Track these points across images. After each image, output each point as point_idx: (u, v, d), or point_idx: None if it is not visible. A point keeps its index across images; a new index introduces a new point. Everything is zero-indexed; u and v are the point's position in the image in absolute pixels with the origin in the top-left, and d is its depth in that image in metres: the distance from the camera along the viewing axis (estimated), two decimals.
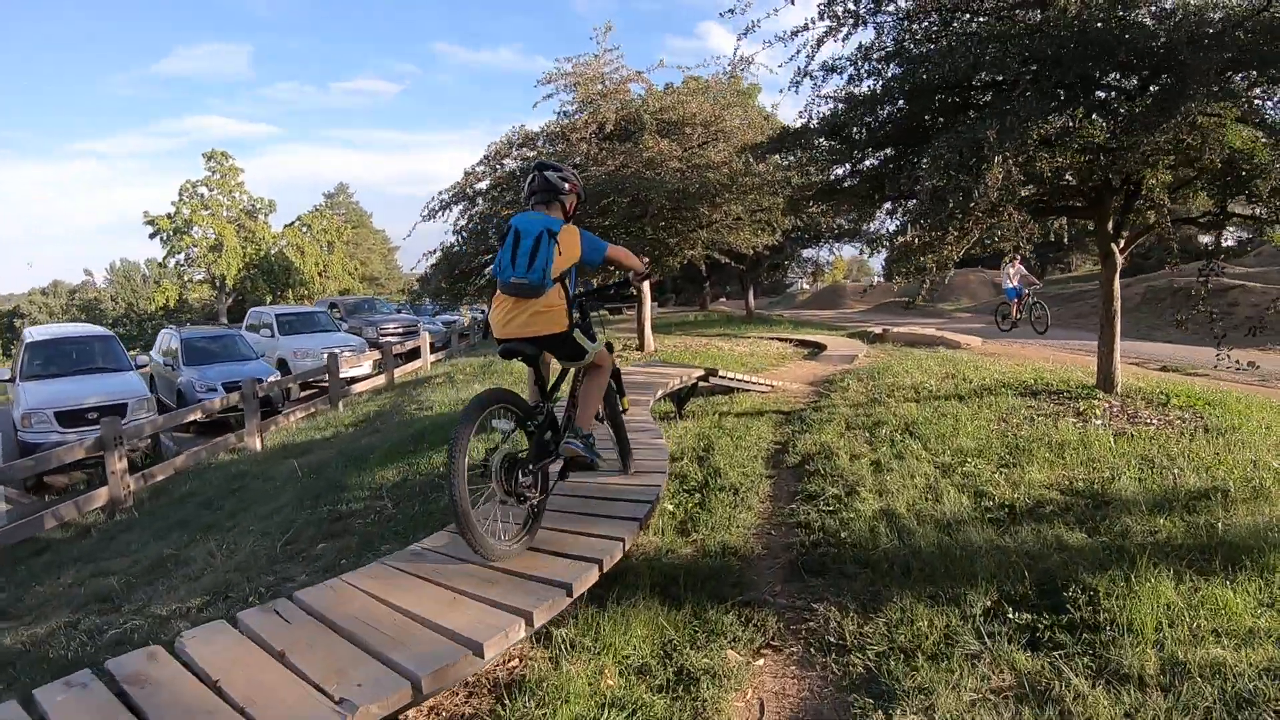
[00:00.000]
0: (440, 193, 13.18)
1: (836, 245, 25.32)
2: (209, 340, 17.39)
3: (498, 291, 3.34)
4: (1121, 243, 7.47)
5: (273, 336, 19.84)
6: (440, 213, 13.49)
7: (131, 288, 56.57)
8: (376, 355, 17.61)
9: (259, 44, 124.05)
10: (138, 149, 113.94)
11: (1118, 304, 7.71)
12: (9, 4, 79.83)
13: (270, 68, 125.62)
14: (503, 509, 3.25)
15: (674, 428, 7.73)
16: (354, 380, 16.59)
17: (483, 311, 28.44)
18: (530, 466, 3.29)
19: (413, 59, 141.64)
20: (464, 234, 13.37)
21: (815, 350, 14.95)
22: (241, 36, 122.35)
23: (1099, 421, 6.65)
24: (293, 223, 50.10)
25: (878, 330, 17.74)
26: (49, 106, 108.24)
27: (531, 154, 13.11)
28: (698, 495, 5.43)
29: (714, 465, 6.11)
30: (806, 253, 26.33)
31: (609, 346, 3.89)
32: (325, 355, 17.30)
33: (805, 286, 52.25)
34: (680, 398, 8.23)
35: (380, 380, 16.66)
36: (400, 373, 17.66)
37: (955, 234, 5.61)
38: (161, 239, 44.48)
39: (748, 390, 9.25)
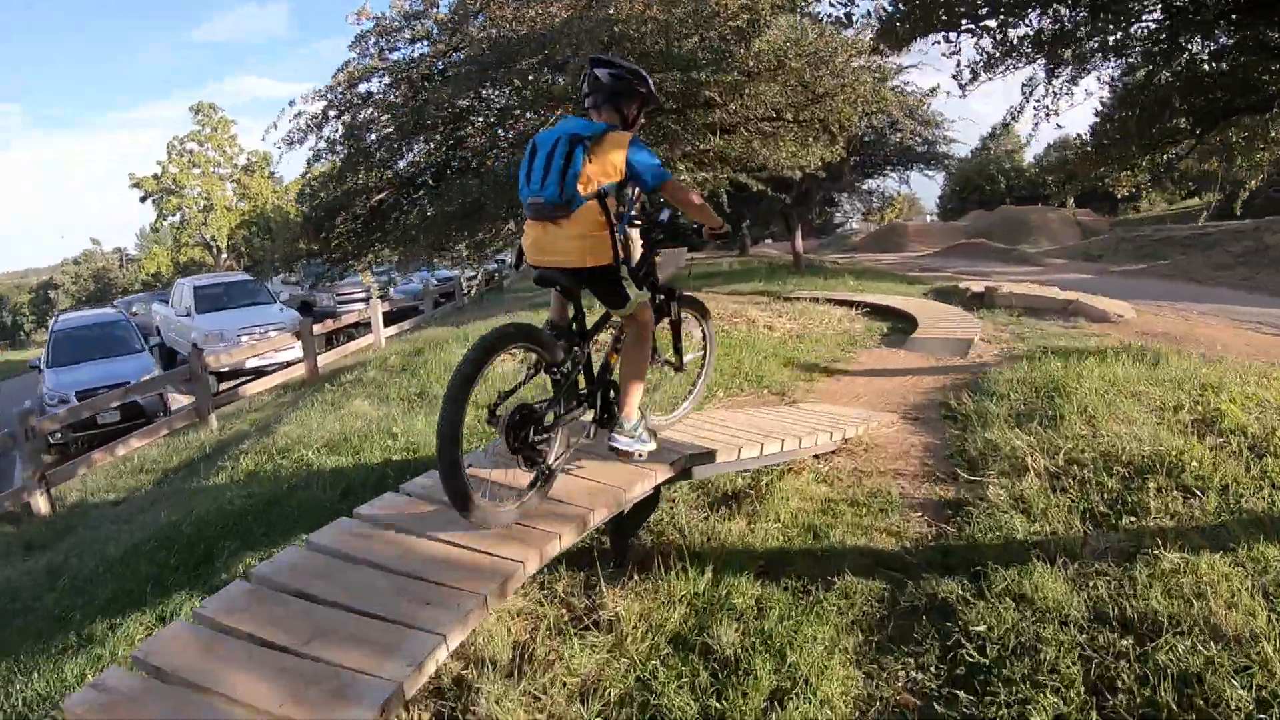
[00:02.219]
0: (291, 108, 8.29)
1: (905, 173, 19.59)
2: (86, 329, 13.25)
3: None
4: None
5: (189, 315, 15.43)
6: (312, 135, 8.68)
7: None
8: (320, 329, 13.09)
9: (295, 3, 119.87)
10: (173, 116, 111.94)
11: None
12: None
13: (309, 26, 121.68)
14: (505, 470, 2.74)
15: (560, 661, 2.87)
16: (284, 366, 12.15)
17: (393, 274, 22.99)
18: (549, 421, 2.72)
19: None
20: (346, 161, 8.54)
21: (899, 326, 9.80)
22: None
23: None
24: (303, 175, 45.71)
25: (977, 288, 12.33)
26: (82, 80, 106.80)
27: (434, 28, 8.12)
28: None
29: None
30: (869, 184, 20.53)
31: (702, 311, 3.68)
32: (241, 339, 13.25)
33: (856, 226, 45.70)
34: (622, 526, 3.32)
35: (300, 370, 12.02)
36: (337, 356, 13.12)
37: None
38: (152, 201, 40.64)
39: (789, 463, 4.32)
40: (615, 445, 2.95)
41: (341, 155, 8.42)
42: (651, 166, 2.76)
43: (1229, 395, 4.78)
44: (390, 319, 15.33)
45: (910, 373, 7.10)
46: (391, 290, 19.53)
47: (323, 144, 8.36)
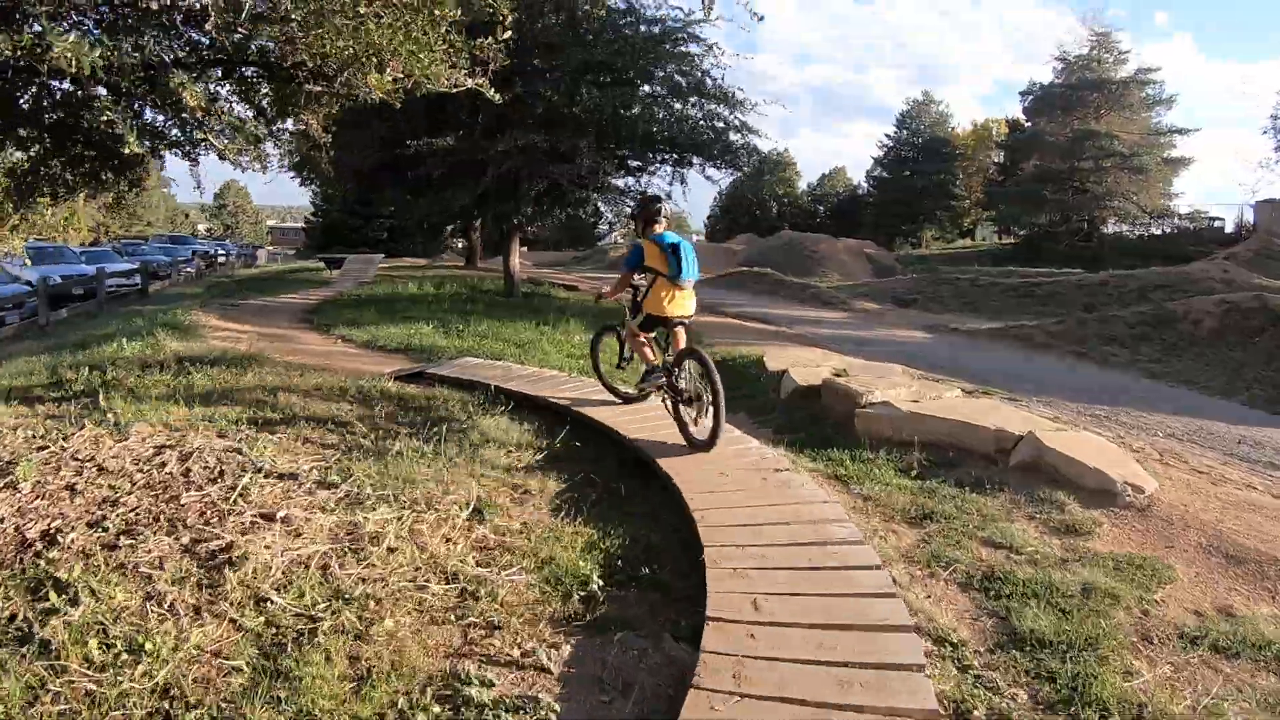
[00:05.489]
0: None
1: (682, 170, 13.13)
2: None
3: (674, 285, 4.95)
4: None
5: None
6: None
7: None
8: None
9: None
10: None
11: None
12: None
13: None
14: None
15: None
16: None
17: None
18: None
19: None
20: None
21: (649, 541, 3.58)
22: None
23: None
24: None
25: (801, 374, 6.33)
26: None
27: None
28: None
29: None
30: (626, 180, 13.70)
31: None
32: None
33: (620, 239, 39.77)
34: None
35: None
36: None
37: None
38: None
39: None
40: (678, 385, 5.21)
41: None
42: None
43: None
44: None
45: None
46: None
47: None
